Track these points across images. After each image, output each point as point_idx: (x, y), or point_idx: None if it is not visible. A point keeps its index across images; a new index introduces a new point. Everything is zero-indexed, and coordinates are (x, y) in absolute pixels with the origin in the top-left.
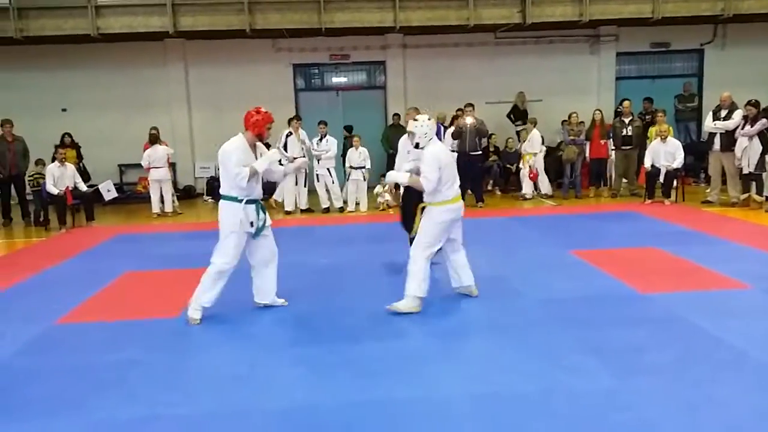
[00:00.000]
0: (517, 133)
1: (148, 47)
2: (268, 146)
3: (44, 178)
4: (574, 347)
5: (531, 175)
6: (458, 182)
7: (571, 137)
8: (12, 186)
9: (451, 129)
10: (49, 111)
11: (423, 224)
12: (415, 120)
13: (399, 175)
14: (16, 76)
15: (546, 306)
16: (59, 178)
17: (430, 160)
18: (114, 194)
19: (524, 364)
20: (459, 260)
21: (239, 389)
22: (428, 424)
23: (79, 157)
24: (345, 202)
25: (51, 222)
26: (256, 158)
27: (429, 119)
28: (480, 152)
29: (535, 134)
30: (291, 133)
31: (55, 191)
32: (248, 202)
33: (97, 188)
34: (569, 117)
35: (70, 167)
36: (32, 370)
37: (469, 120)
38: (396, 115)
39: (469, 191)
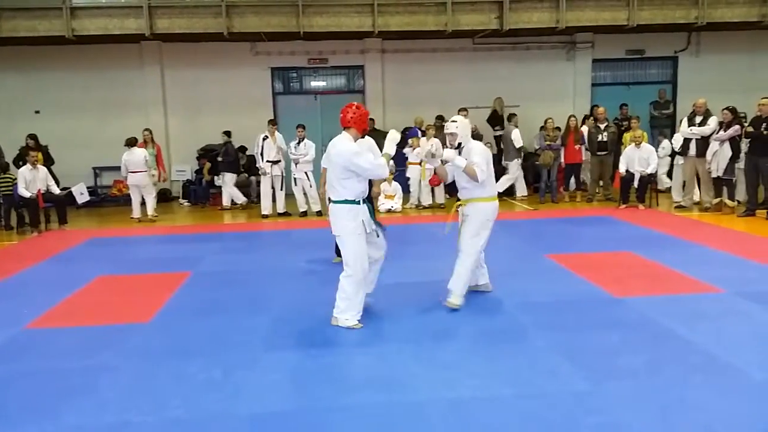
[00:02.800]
0: (495, 138)
1: (123, 49)
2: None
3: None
4: (549, 351)
5: (432, 181)
6: None
7: (547, 143)
8: None
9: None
10: (22, 113)
11: (474, 222)
12: (453, 121)
13: (458, 158)
14: None
15: (521, 309)
16: (31, 181)
17: (481, 152)
18: (87, 197)
19: (499, 368)
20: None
21: (211, 395)
22: (403, 428)
23: (49, 160)
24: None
25: (22, 225)
26: None
27: (465, 118)
28: None
29: (436, 142)
30: (267, 137)
31: (27, 194)
32: (363, 201)
33: (70, 191)
34: (545, 122)
35: (43, 170)
36: (0, 376)
37: None
38: (371, 119)
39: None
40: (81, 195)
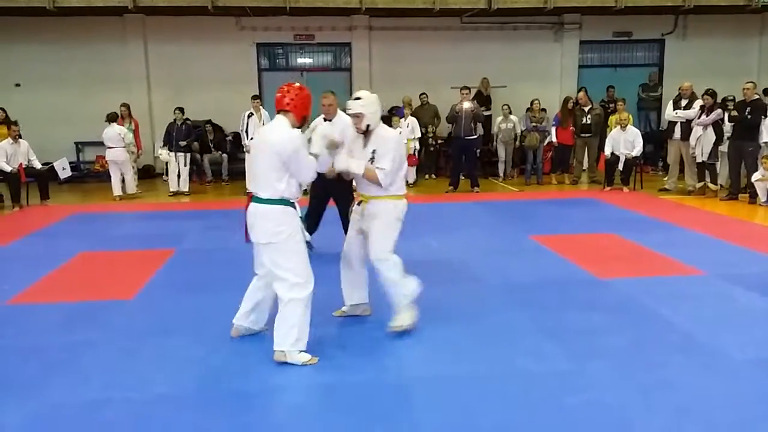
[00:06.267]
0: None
1: (106, 22)
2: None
3: None
4: (531, 331)
5: (411, 161)
6: None
7: (533, 124)
8: None
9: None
10: (1, 86)
11: (382, 223)
12: (357, 98)
13: (353, 162)
14: None
15: (504, 290)
16: (12, 155)
17: (393, 146)
18: (69, 173)
19: (481, 348)
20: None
21: (195, 372)
22: (384, 407)
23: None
24: None
25: (3, 200)
26: None
27: (373, 94)
28: (475, 136)
29: (412, 120)
30: (252, 114)
31: (7, 168)
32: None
33: (52, 166)
34: (531, 104)
35: (24, 144)
36: None
37: (466, 104)
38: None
39: (463, 176)
40: (63, 170)
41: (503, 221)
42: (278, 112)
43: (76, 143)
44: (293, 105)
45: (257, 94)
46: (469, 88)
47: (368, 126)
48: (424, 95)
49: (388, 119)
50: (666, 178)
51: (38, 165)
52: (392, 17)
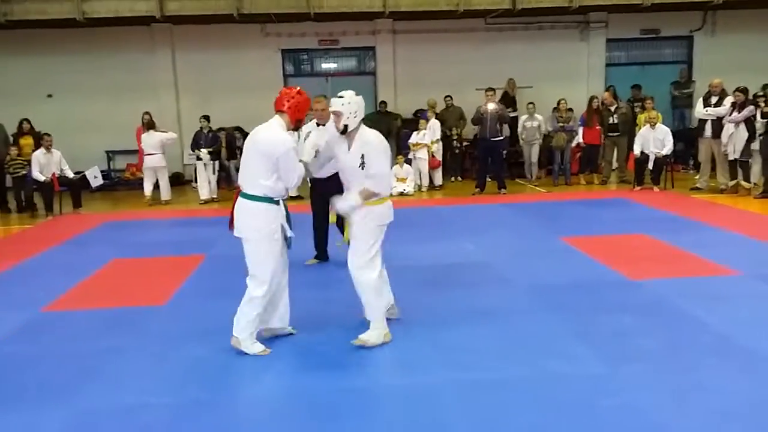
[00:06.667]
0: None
1: (134, 32)
2: None
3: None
4: (563, 333)
5: (434, 164)
6: None
7: (560, 124)
8: None
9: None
10: (34, 97)
11: (361, 232)
12: (340, 96)
13: (352, 198)
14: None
15: (534, 292)
16: (46, 165)
17: (381, 149)
18: (100, 181)
19: (512, 351)
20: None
21: (227, 377)
22: (414, 410)
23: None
24: None
25: (37, 209)
26: None
27: (357, 95)
28: (501, 138)
29: (434, 122)
30: None
31: (41, 178)
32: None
33: (84, 175)
34: (558, 104)
35: (57, 153)
36: (17, 358)
37: (491, 106)
38: (383, 102)
39: (490, 178)
40: (95, 178)
41: (532, 222)
42: (276, 112)
43: (107, 152)
44: (288, 107)
45: None
46: (494, 90)
47: (346, 126)
48: (449, 97)
49: (414, 122)
50: (697, 177)
51: (71, 174)
52: (416, 20)
